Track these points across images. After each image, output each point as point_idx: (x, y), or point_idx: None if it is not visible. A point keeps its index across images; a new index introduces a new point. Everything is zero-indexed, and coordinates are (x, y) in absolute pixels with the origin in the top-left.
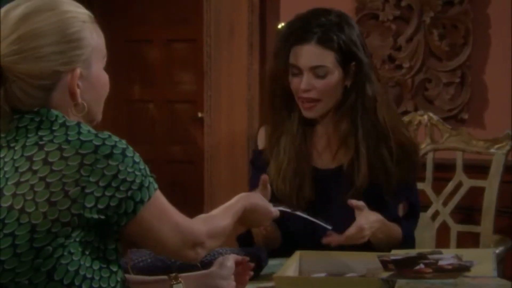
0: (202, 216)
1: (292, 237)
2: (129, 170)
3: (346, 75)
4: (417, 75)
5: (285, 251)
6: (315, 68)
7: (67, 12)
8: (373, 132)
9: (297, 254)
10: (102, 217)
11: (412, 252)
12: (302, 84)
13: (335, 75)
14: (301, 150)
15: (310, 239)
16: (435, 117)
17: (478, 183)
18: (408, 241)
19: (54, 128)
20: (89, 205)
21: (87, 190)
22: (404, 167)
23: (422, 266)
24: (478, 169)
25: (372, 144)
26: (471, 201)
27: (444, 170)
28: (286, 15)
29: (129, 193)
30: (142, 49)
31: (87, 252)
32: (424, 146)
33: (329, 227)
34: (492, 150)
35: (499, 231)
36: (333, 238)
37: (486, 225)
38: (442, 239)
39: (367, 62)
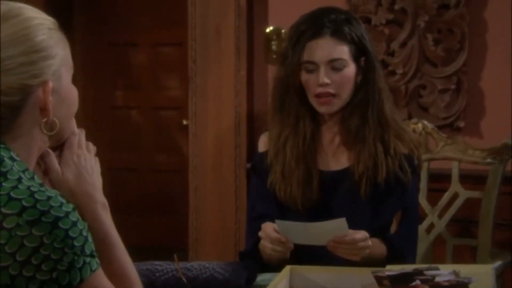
0: None
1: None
2: (56, 245)
3: (358, 70)
4: (411, 81)
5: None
6: (332, 61)
7: (33, 19)
8: (378, 127)
9: (287, 269)
10: None
11: (407, 268)
12: (319, 78)
13: (351, 68)
14: (310, 152)
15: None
16: (429, 125)
17: (475, 194)
18: (401, 255)
19: None
20: (2, 283)
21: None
22: (402, 166)
23: (418, 282)
24: (475, 179)
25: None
26: (467, 213)
27: (439, 180)
28: (274, 19)
29: (54, 274)
30: (126, 53)
31: None
32: None
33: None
34: (489, 160)
35: (497, 245)
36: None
37: (484, 238)
38: (437, 252)
39: (375, 56)
